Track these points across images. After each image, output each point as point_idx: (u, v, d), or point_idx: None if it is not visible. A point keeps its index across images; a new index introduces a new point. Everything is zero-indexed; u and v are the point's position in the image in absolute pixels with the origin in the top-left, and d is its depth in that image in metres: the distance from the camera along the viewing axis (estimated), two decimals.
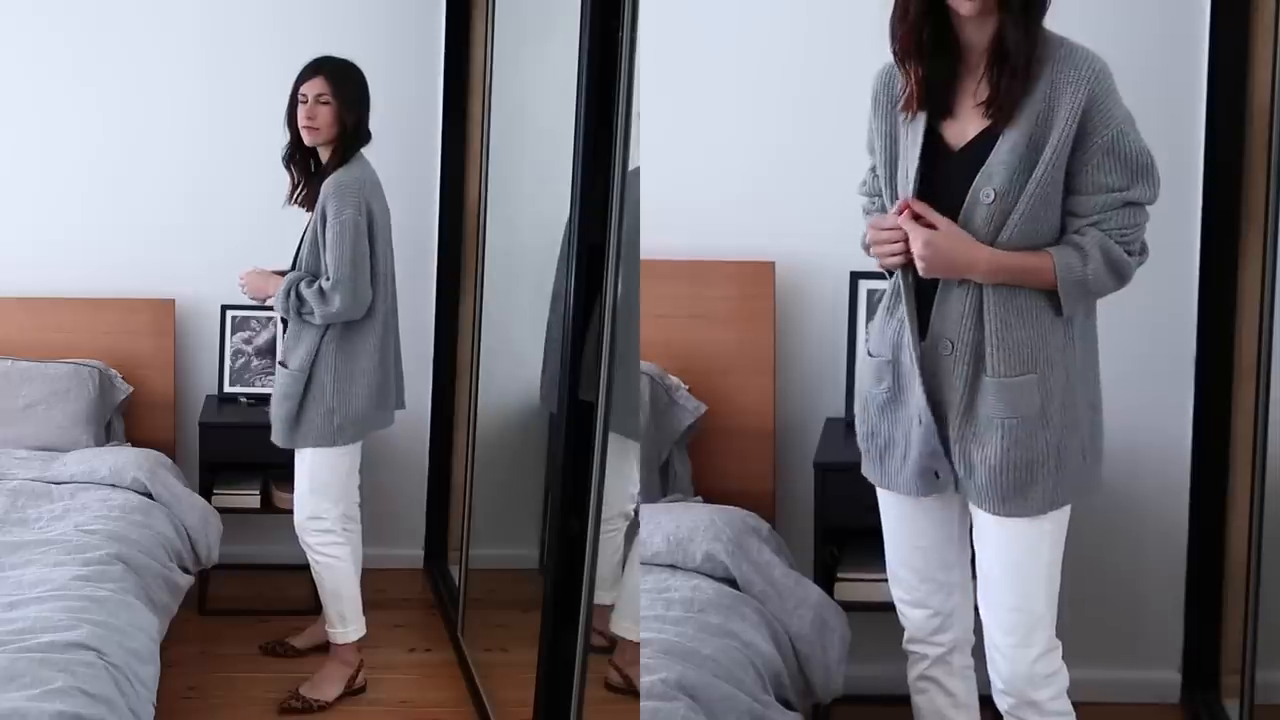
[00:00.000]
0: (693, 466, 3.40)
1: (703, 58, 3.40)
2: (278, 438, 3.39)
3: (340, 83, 3.31)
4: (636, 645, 2.97)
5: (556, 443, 2.64)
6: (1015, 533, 2.35)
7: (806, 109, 3.39)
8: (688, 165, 3.39)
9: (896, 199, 2.34)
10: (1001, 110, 2.22)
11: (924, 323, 2.33)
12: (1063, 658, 2.43)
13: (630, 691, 2.81)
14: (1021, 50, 2.19)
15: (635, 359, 2.97)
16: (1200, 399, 3.30)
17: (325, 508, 3.43)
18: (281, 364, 3.36)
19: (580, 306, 2.51)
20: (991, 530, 2.38)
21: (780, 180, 3.42)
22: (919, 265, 2.27)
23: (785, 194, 3.42)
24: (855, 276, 3.37)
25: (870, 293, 3.36)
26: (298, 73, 3.34)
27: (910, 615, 2.55)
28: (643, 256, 2.82)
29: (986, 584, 2.42)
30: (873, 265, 2.42)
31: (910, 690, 2.61)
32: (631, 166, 2.39)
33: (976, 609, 2.49)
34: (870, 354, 2.45)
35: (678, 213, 3.28)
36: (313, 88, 3.29)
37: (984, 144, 2.26)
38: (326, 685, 3.49)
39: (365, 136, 3.35)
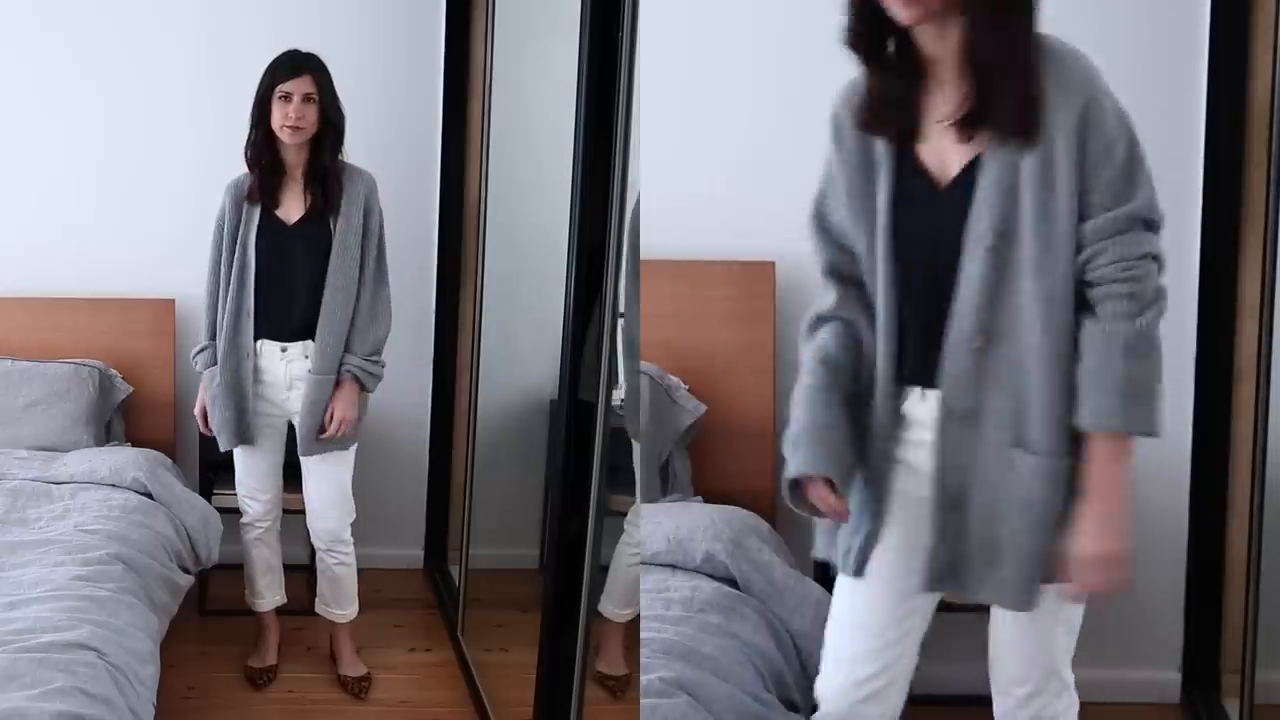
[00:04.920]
0: (693, 466, 3.40)
1: (703, 58, 3.40)
2: (310, 447, 3.37)
3: (325, 81, 3.28)
4: (619, 629, 2.95)
5: (556, 443, 2.64)
6: None
7: (806, 108, 3.35)
8: (687, 165, 3.39)
9: (874, 249, 2.09)
10: (970, 133, 1.92)
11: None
12: None
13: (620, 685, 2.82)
14: (996, 58, 1.86)
15: (635, 359, 2.97)
16: (1200, 399, 3.30)
17: (352, 506, 3.53)
18: (321, 373, 3.32)
19: (580, 306, 2.51)
20: None
21: (780, 180, 3.39)
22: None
23: (785, 194, 3.36)
24: None
25: None
26: (269, 68, 3.27)
27: None
28: (643, 256, 2.82)
29: None
30: None
31: None
32: (631, 195, 2.39)
33: None
34: None
35: (678, 213, 3.28)
36: (299, 86, 3.24)
37: (972, 177, 1.94)
38: (357, 658, 3.65)
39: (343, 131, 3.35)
